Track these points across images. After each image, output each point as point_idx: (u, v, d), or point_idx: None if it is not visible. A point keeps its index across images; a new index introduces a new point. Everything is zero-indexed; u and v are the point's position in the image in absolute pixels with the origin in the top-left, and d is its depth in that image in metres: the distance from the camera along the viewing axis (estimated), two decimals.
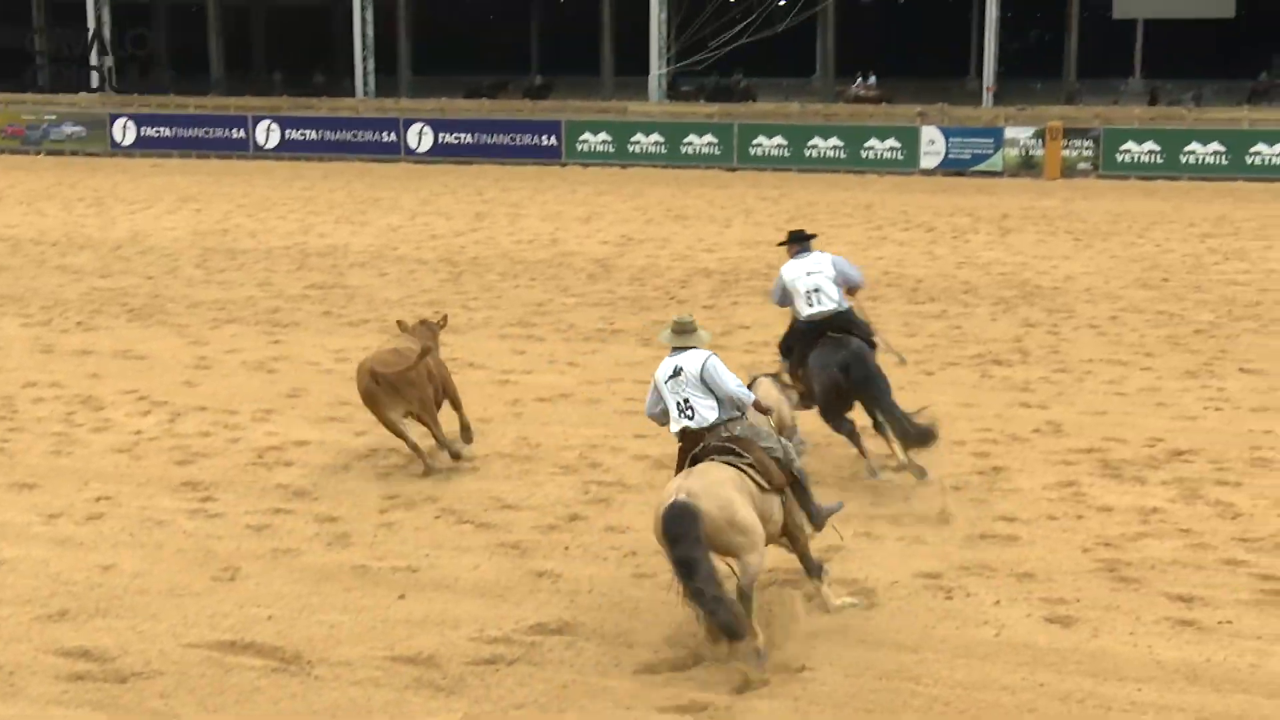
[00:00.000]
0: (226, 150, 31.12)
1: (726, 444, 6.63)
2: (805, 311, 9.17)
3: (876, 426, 8.92)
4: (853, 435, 9.11)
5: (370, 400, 9.12)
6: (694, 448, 6.69)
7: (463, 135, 30.25)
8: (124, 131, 31.88)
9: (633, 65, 37.61)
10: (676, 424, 6.79)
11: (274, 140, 31.06)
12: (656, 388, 6.92)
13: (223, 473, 9.33)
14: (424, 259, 18.03)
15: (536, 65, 47.87)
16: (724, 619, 6.01)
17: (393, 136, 30.55)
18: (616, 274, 16.77)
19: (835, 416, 9.11)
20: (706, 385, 6.78)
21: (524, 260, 17.96)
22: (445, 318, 10.01)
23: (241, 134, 31.22)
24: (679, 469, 6.70)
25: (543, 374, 11.91)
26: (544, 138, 29.66)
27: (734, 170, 27.94)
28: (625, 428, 10.16)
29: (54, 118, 32.44)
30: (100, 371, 12.09)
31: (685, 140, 28.55)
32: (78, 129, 32.02)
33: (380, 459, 9.61)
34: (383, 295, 15.56)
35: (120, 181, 27.06)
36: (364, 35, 35.07)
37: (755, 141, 28.12)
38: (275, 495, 8.89)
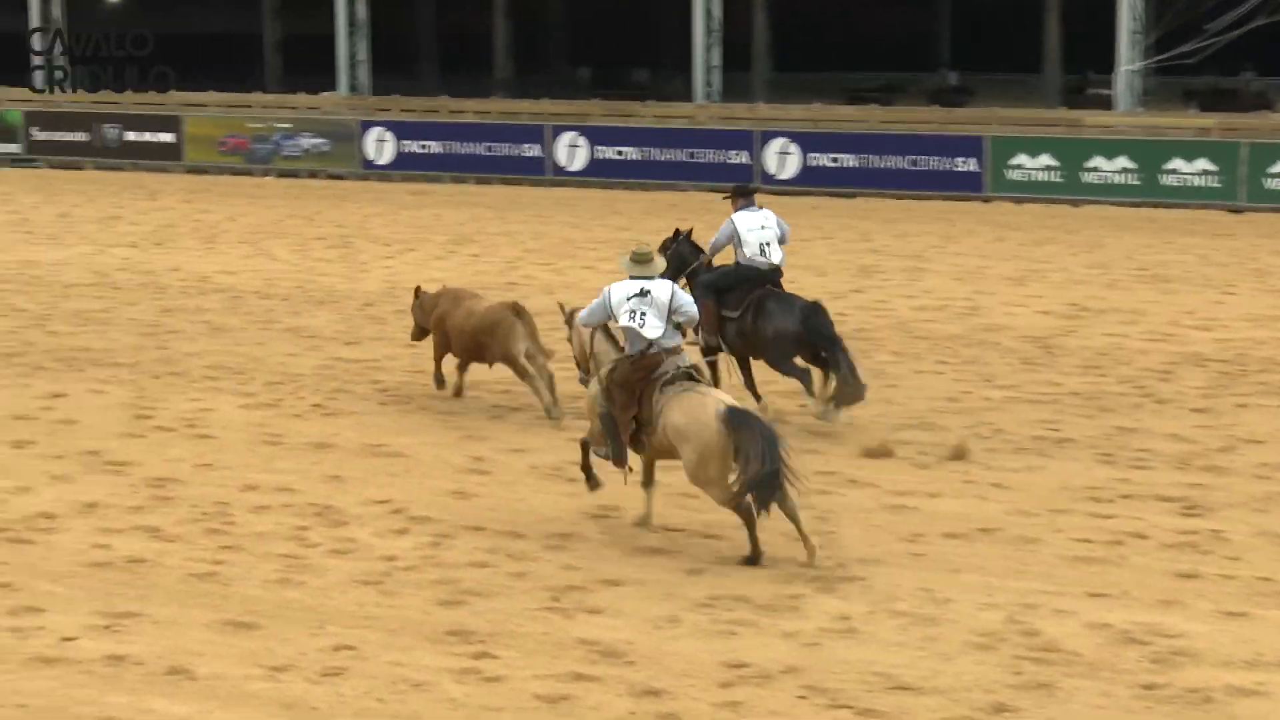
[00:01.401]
0: (515, 173, 32.76)
1: (688, 372, 11.22)
2: (755, 260, 14.46)
3: (824, 370, 14.06)
4: (805, 378, 14.16)
5: (507, 332, 14.19)
6: (655, 365, 11.15)
7: (841, 156, 30.74)
8: (379, 147, 34.19)
9: (1088, 58, 37.23)
10: (628, 327, 11.24)
11: (580, 160, 32.51)
12: (609, 305, 11.31)
13: (504, 620, 9.68)
14: None
15: (947, 59, 48.13)
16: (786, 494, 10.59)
17: (744, 157, 31.39)
18: (1063, 359, 16.82)
19: (786, 361, 14.22)
20: (668, 308, 11.27)
21: (928, 335, 18.13)
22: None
23: (536, 151, 32.87)
24: (641, 381, 11.14)
25: (954, 499, 12.01)
26: (959, 161, 29.83)
27: (1240, 212, 27.39)
28: (1074, 580, 10.21)
29: (288, 127, 35.18)
30: (342, 473, 12.85)
31: (1167, 166, 28.33)
32: (319, 142, 34.46)
33: (723, 609, 9.82)
34: (724, 378, 16.03)
35: (373, 214, 29.00)
36: (708, 17, 35.94)
37: (1275, 170, 27.48)
38: (575, 654, 9.17)
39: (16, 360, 17.15)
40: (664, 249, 14.87)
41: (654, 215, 28.61)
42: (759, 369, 14.57)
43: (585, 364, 12.36)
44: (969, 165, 29.68)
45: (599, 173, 32.22)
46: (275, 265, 23.25)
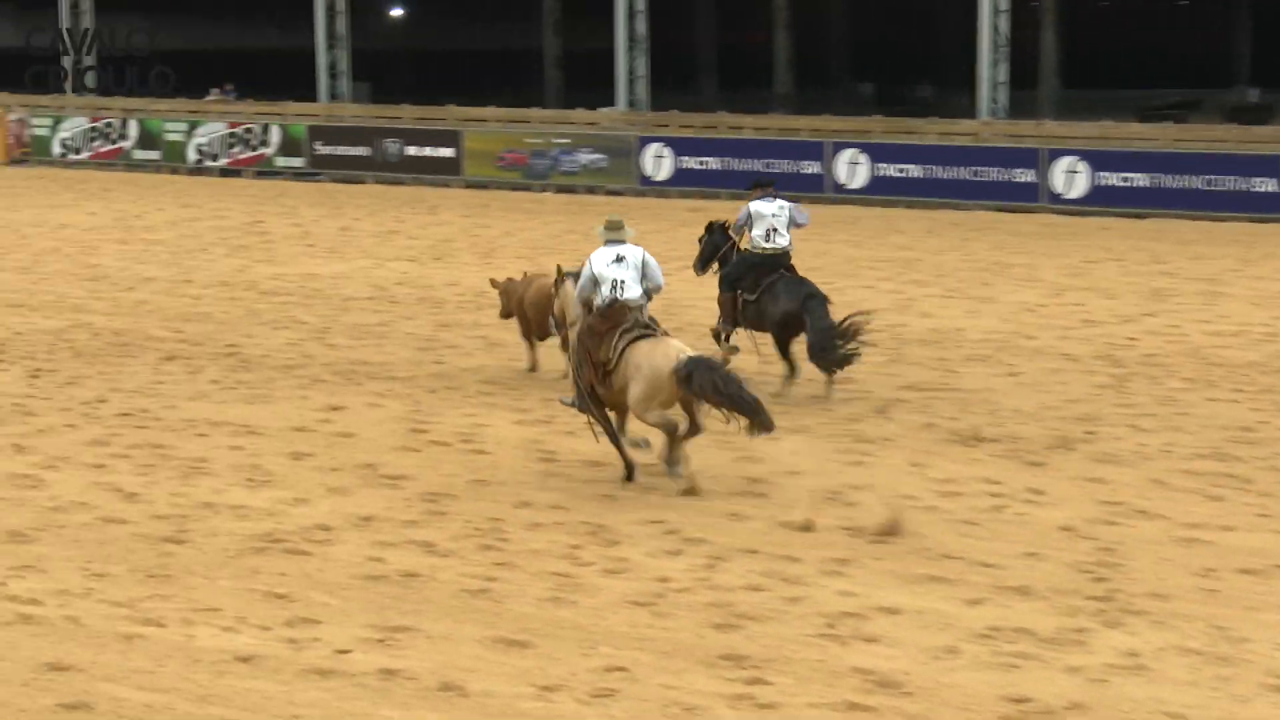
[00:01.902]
0: (794, 189, 32.59)
1: (649, 325, 13.18)
2: (763, 243, 16.78)
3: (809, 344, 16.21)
4: (793, 369, 16.45)
5: (557, 299, 15.09)
6: (621, 318, 13.13)
7: (1132, 175, 30.02)
8: (657, 163, 34.51)
9: None
10: (607, 297, 13.19)
11: (860, 178, 32.35)
12: (594, 272, 13.30)
13: (778, 645, 9.66)
14: (1073, 354, 18.20)
15: (1247, 75, 46.61)
16: (763, 413, 12.66)
17: (1029, 175, 30.87)
18: None
19: (788, 344, 16.48)
20: (642, 271, 13.29)
21: (1223, 362, 17.75)
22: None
23: (815, 169, 32.82)
24: (607, 331, 13.14)
25: (1250, 532, 11.75)
26: (1257, 181, 28.93)
27: None
28: None
29: (567, 142, 35.71)
30: (615, 492, 13.00)
31: None
32: (597, 158, 34.88)
33: (1004, 641, 9.67)
34: (1010, 403, 15.81)
35: (650, 231, 29.14)
36: (995, 33, 35.37)
37: None
38: (851, 683, 9.12)
39: (296, 372, 17.70)
40: (701, 240, 17.62)
41: (936, 234, 28.31)
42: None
43: (562, 321, 14.76)
44: (1268, 186, 28.83)
45: (880, 190, 32.03)
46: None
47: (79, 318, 20.97)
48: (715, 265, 17.40)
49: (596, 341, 13.21)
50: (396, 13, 60.74)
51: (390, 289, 23.24)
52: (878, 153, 32.30)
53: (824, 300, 16.38)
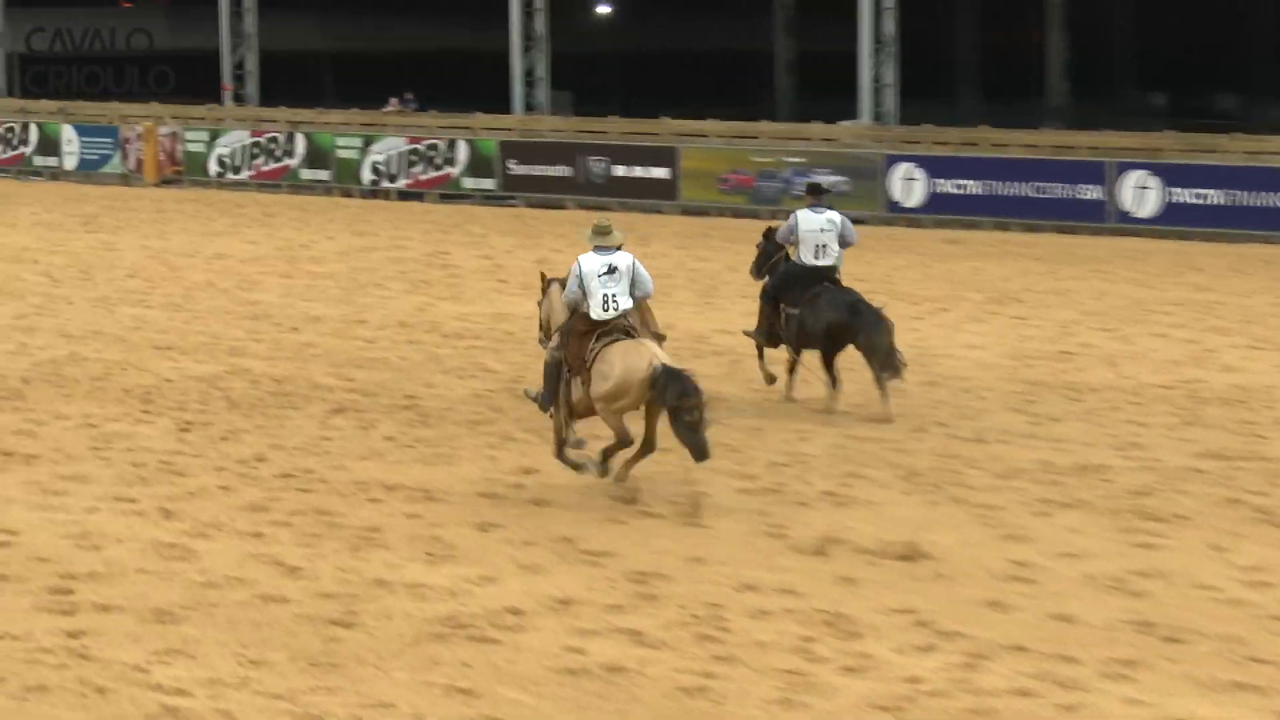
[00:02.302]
0: (1070, 219, 32.47)
1: (628, 329, 15.02)
2: (810, 260, 18.71)
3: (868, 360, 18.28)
4: (835, 382, 18.42)
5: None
6: (602, 326, 15.05)
7: None
8: (907, 186, 34.38)
9: None
10: (600, 314, 15.11)
11: (1150, 205, 31.93)
12: (582, 279, 15.23)
13: None
14: None
15: None
16: (705, 449, 14.67)
17: None
18: None
19: (833, 356, 18.43)
20: (632, 280, 15.20)
21: None
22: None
23: (1096, 193, 32.47)
24: (586, 332, 15.14)
25: None
26: None
27: None
28: None
29: (800, 161, 35.72)
30: (856, 574, 12.89)
31: None
32: (836, 180, 34.50)
33: None
34: None
35: (899, 266, 29.07)
36: None
37: None
38: None
39: (484, 429, 17.89)
40: (758, 246, 19.91)
41: (1242, 273, 27.78)
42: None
43: (547, 328, 16.49)
44: None
45: (1174, 220, 31.57)
46: None
47: (236, 362, 21.46)
48: (768, 272, 19.68)
49: (576, 342, 15.28)
50: (603, 10, 61.38)
51: None
52: (1171, 175, 31.84)
53: (874, 309, 18.33)
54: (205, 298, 26.55)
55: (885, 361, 18.00)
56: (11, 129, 45.92)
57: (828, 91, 44.17)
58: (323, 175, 41.37)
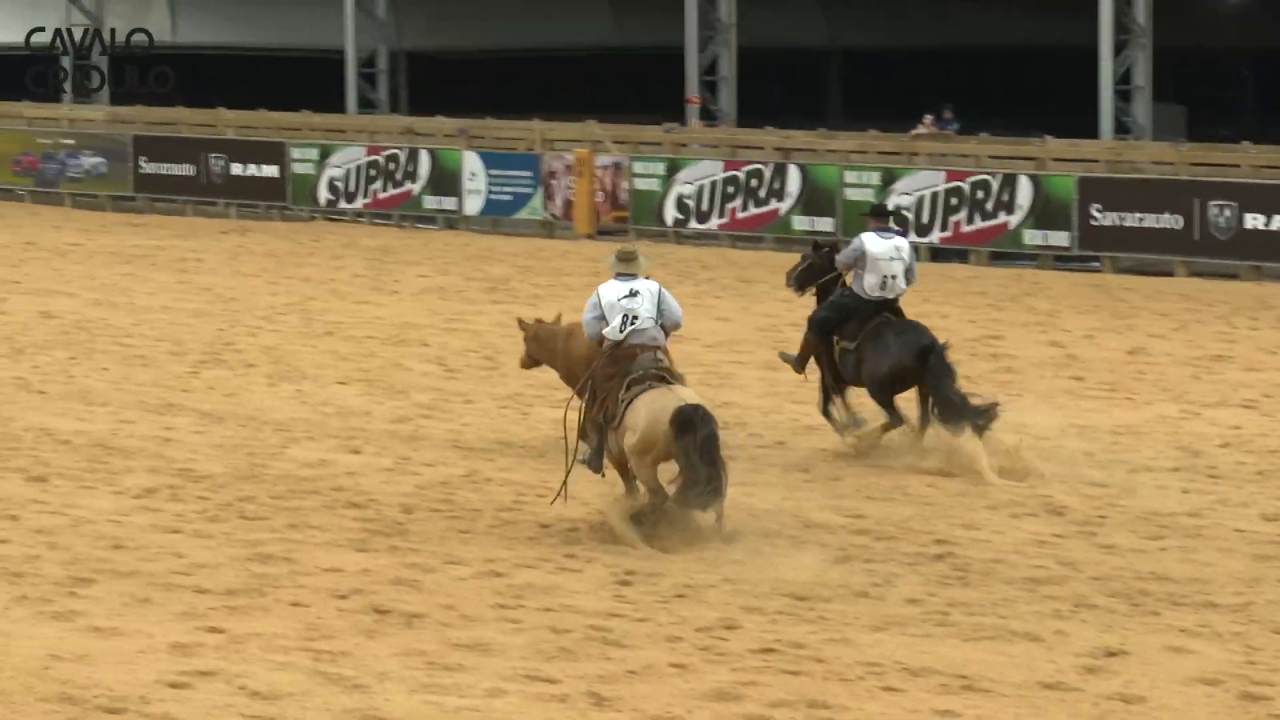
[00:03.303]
0: None
1: (662, 373, 19.17)
2: (875, 292, 22.51)
3: (933, 412, 22.24)
4: (897, 418, 22.64)
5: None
6: (629, 360, 19.20)
7: None
8: None
9: None
10: (617, 334, 19.28)
11: None
12: (602, 308, 19.48)
13: None
14: None
15: None
16: (724, 483, 18.97)
17: None
18: None
19: (888, 396, 22.55)
20: (659, 307, 19.37)
21: None
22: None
23: None
24: (614, 376, 19.26)
25: None
26: None
27: None
28: None
29: None
30: None
31: None
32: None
33: None
34: None
35: None
36: None
37: None
38: None
39: (1047, 590, 17.88)
40: (805, 257, 23.80)
41: None
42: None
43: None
44: None
45: None
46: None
47: None
48: (814, 290, 23.65)
49: (607, 390, 19.26)
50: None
51: (1209, 454, 23.36)
52: None
53: (944, 355, 22.25)
54: None
55: (964, 411, 22.10)
56: (395, 158, 47.67)
57: None
58: (822, 224, 41.56)
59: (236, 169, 49.46)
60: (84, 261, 42.14)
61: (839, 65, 61.70)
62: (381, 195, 47.13)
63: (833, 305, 22.92)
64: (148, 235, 46.63)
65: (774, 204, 42.44)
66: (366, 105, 54.17)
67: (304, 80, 58.16)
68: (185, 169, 50.07)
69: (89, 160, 51.50)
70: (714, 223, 43.18)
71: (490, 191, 46.07)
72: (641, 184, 44.22)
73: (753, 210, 42.67)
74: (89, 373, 28.91)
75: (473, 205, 46.44)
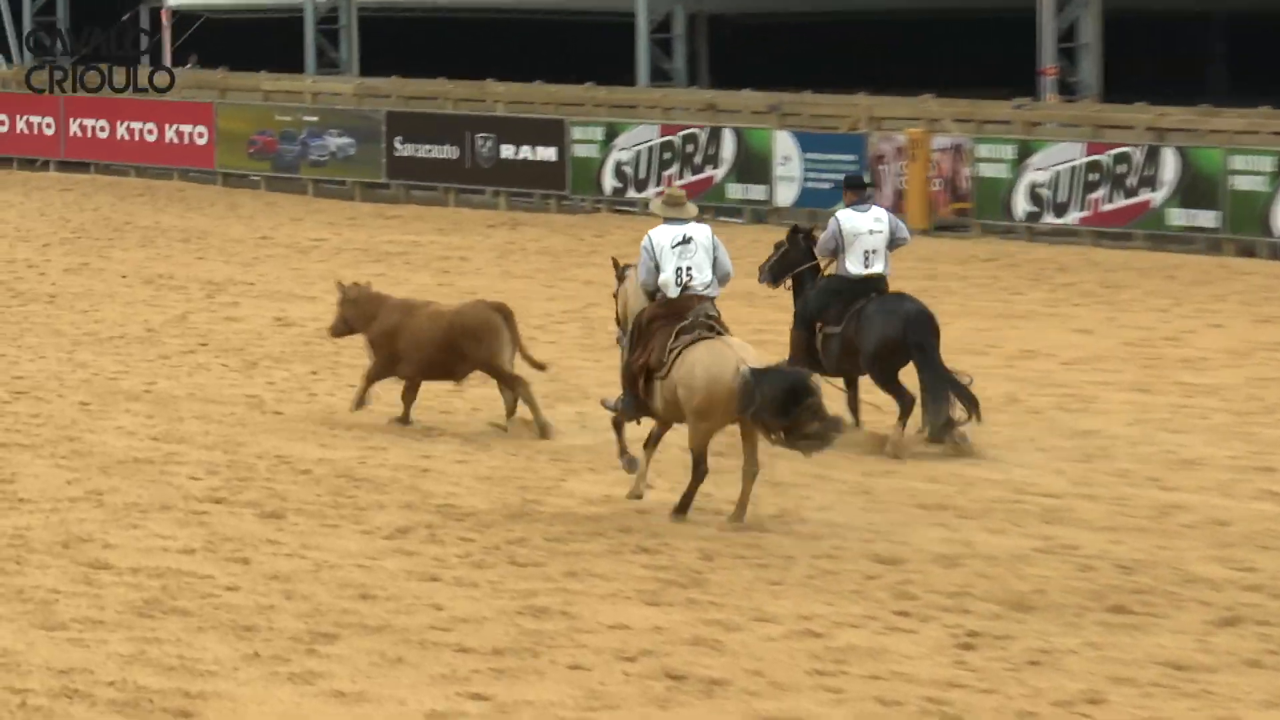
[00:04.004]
0: None
1: (712, 323, 21.94)
2: (856, 271, 25.36)
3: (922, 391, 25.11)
4: (907, 401, 25.03)
5: (493, 335, 26.64)
6: (684, 309, 21.97)
7: None
8: None
9: None
10: (674, 289, 22.06)
11: None
12: (655, 253, 22.10)
13: None
14: None
15: None
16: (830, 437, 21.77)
17: None
18: None
19: (891, 377, 25.10)
20: (712, 253, 22.23)
21: None
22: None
23: None
24: (665, 322, 21.97)
25: None
26: None
27: None
28: None
29: None
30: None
31: None
32: None
33: None
34: None
35: None
36: None
37: None
38: None
39: None
40: (779, 246, 26.39)
41: None
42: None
43: (624, 322, 22.89)
44: None
45: None
46: None
47: (1052, 534, 21.82)
48: (789, 281, 26.22)
49: (652, 334, 21.67)
50: None
51: None
52: None
53: (930, 324, 24.85)
54: (1016, 420, 27.16)
55: (943, 393, 24.80)
56: (693, 139, 47.77)
57: None
58: (1204, 218, 41.18)
59: (507, 151, 49.70)
60: (328, 260, 42.67)
61: (1223, 31, 61.13)
62: (680, 181, 47.01)
63: (821, 293, 25.50)
64: (402, 229, 47.16)
65: (1145, 194, 42.12)
66: (660, 77, 54.32)
67: (587, 48, 58.49)
68: (447, 151, 50.44)
69: (335, 141, 52.03)
70: (1073, 216, 42.94)
71: (806, 178, 46.05)
72: (986, 170, 44.11)
73: (1120, 202, 42.39)
74: (332, 390, 29.26)
75: (785, 194, 46.45)
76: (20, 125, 57.45)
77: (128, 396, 28.90)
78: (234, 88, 56.35)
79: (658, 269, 21.93)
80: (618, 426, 22.70)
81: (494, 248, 44.10)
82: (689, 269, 21.79)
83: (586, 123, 49.04)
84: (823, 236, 25.52)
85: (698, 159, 46.94)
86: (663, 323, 21.80)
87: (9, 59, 64.51)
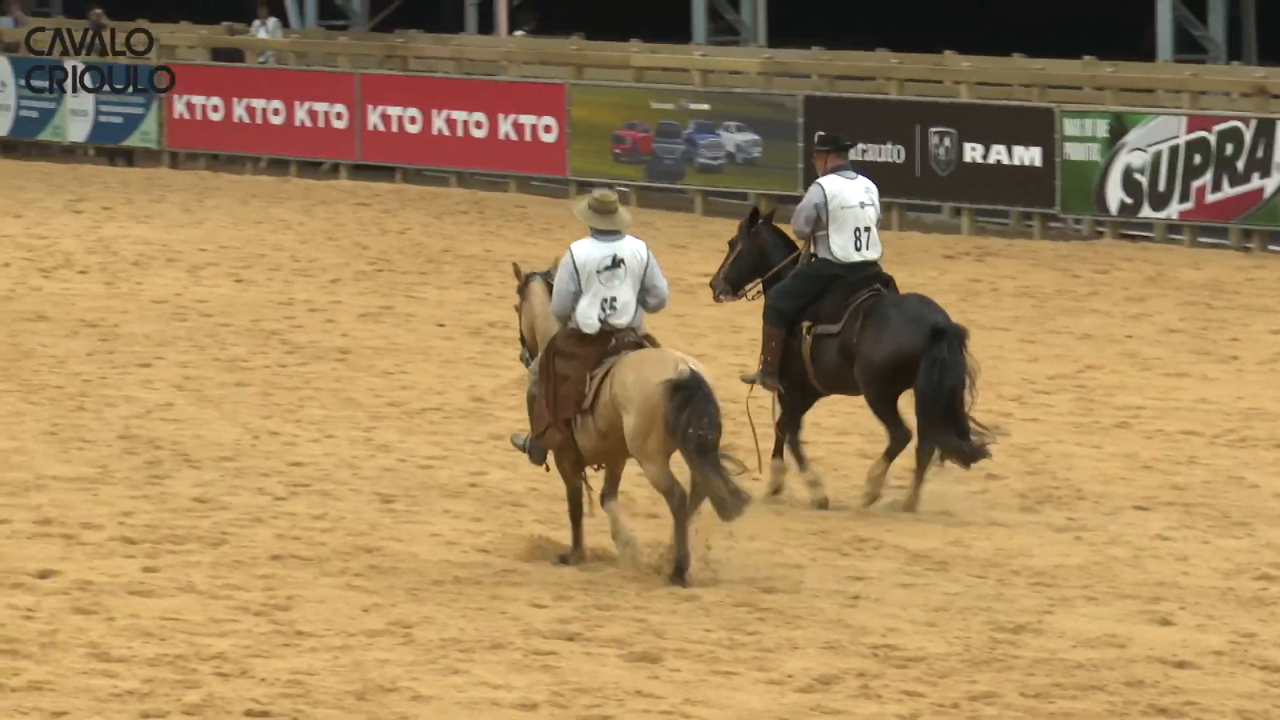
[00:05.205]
0: None
1: (639, 340, 25.45)
2: (849, 254, 27.17)
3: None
4: (902, 435, 27.21)
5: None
6: (604, 347, 24.81)
7: None
8: None
9: None
10: (593, 325, 24.64)
11: None
12: (578, 276, 24.57)
13: None
14: None
15: None
16: (734, 499, 24.81)
17: None
18: None
19: (889, 398, 26.86)
20: (642, 280, 25.03)
21: None
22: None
23: None
24: (583, 365, 24.66)
25: None
26: None
27: None
28: None
29: None
30: None
31: None
32: None
33: None
34: None
35: None
36: None
37: None
38: None
39: None
40: (734, 244, 28.02)
41: None
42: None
43: (531, 342, 24.73)
44: None
45: None
46: None
47: None
48: (758, 287, 27.57)
49: (567, 365, 23.62)
50: None
51: None
52: None
53: (962, 344, 25.69)
54: None
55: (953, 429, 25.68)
56: (1234, 135, 47.62)
57: None
58: None
59: (972, 152, 49.55)
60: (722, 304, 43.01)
61: None
62: (1212, 197, 47.09)
63: (797, 277, 26.15)
64: None
65: None
66: (1189, 48, 54.40)
67: (1083, 9, 58.57)
68: (888, 152, 50.38)
69: (733, 137, 51.93)
70: None
71: None
72: None
73: None
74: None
75: None
76: (300, 115, 57.38)
77: (446, 492, 29.33)
78: (593, 63, 56.08)
79: (577, 295, 23.72)
80: (574, 519, 25.13)
81: (953, 287, 44.26)
82: (613, 300, 23.69)
83: (1084, 113, 49.01)
84: (800, 208, 26.41)
85: (1239, 164, 46.83)
86: (581, 352, 23.85)
87: (285, 21, 64.49)
